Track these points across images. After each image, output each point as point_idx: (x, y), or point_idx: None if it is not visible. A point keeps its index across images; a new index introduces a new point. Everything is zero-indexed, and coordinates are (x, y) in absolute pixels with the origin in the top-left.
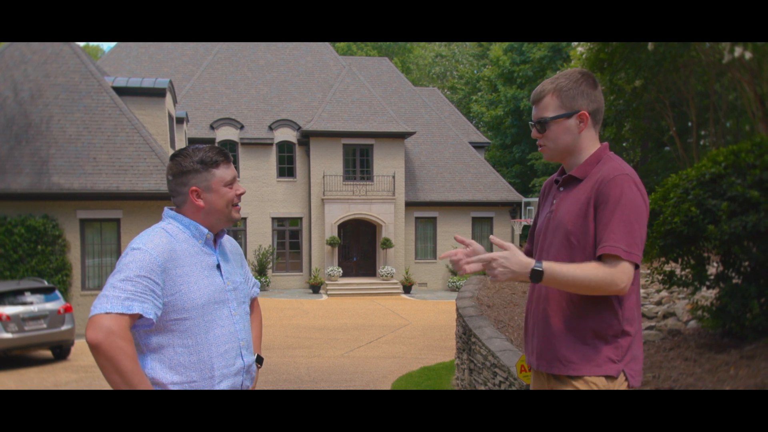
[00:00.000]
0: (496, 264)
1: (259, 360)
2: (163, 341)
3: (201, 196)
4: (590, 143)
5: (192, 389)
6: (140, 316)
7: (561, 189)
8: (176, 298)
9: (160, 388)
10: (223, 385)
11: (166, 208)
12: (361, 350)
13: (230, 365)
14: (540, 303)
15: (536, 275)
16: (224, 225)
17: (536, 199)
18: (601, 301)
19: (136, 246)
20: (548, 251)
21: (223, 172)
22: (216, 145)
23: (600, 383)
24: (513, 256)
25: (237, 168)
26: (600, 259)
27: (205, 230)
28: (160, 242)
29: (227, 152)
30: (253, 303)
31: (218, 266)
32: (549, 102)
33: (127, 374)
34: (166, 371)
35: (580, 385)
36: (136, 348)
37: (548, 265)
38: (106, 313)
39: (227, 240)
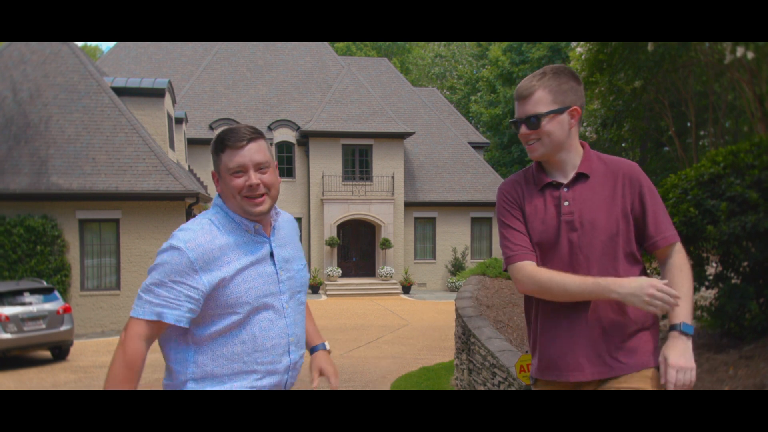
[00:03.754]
0: (687, 376)
1: (318, 348)
2: (207, 335)
3: (219, 182)
4: (577, 140)
5: (233, 388)
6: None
7: (566, 189)
8: (221, 293)
9: (208, 381)
10: (266, 382)
11: (216, 195)
12: (361, 350)
13: (276, 362)
14: (570, 312)
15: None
16: (246, 216)
17: None
18: None
19: (177, 243)
20: (590, 256)
21: (227, 158)
22: (247, 125)
23: (653, 375)
24: (679, 355)
25: None
26: (652, 248)
27: (247, 221)
28: (203, 240)
29: (244, 134)
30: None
31: (271, 254)
32: (541, 97)
33: (114, 377)
34: (210, 364)
35: (638, 382)
36: (183, 341)
37: (690, 319)
38: (138, 318)
39: (286, 222)
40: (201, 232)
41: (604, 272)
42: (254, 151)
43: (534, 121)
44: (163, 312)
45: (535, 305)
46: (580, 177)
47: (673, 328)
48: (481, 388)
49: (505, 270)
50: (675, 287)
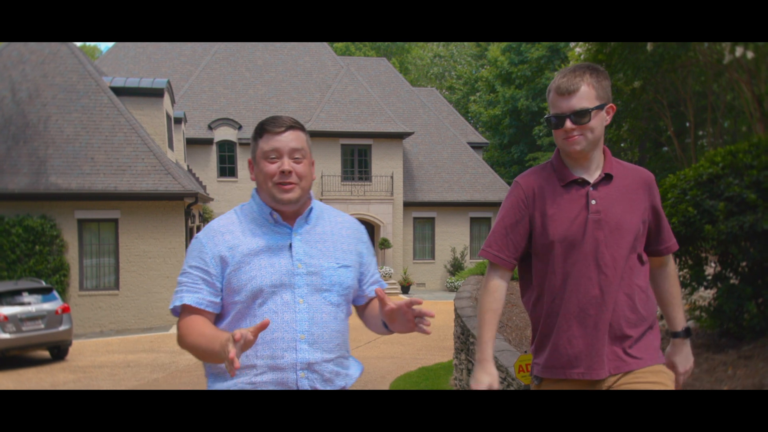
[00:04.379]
0: (685, 377)
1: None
2: (222, 324)
3: (253, 169)
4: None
5: (236, 384)
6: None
7: (593, 188)
8: (232, 281)
9: (220, 377)
10: (267, 378)
11: (253, 189)
12: (360, 350)
13: (277, 357)
14: (594, 310)
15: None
16: (275, 205)
17: None
18: (647, 289)
19: (198, 234)
20: (616, 256)
21: (264, 143)
22: (284, 115)
23: (662, 369)
24: (685, 359)
25: (234, 168)
26: (657, 254)
27: (268, 210)
28: (217, 224)
29: (284, 121)
30: (375, 301)
31: (290, 246)
32: (586, 92)
33: (191, 349)
34: None
35: (654, 376)
36: None
37: (685, 323)
38: (173, 307)
39: (335, 222)
40: (220, 220)
41: (624, 272)
42: (291, 139)
43: (581, 116)
44: (184, 296)
45: (548, 305)
46: (606, 177)
47: (676, 335)
48: None
49: (480, 255)
50: (673, 296)
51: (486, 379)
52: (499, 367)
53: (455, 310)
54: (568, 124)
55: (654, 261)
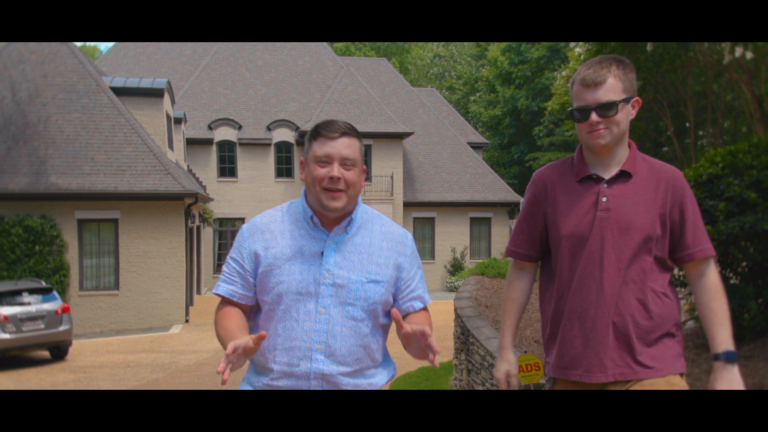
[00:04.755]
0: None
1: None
2: (259, 317)
3: (304, 170)
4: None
5: (258, 384)
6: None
7: (606, 185)
8: (263, 281)
9: (251, 373)
10: (282, 384)
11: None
12: None
13: (293, 365)
14: (593, 311)
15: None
16: (319, 209)
17: None
18: (668, 294)
19: (244, 225)
20: (621, 257)
21: (317, 146)
22: (341, 120)
23: (677, 381)
24: (728, 386)
25: (234, 168)
26: (679, 262)
27: (310, 212)
28: (260, 223)
29: (339, 126)
30: (411, 317)
31: (322, 254)
32: (613, 84)
33: (218, 339)
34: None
35: (662, 385)
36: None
37: (730, 344)
38: (216, 293)
39: (373, 233)
40: (265, 216)
41: (633, 274)
42: (344, 146)
43: (607, 109)
44: (220, 286)
45: (555, 302)
46: (623, 175)
47: (716, 358)
48: (480, 388)
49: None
50: (714, 312)
51: (503, 366)
52: None
53: (455, 310)
54: (594, 117)
55: (689, 271)
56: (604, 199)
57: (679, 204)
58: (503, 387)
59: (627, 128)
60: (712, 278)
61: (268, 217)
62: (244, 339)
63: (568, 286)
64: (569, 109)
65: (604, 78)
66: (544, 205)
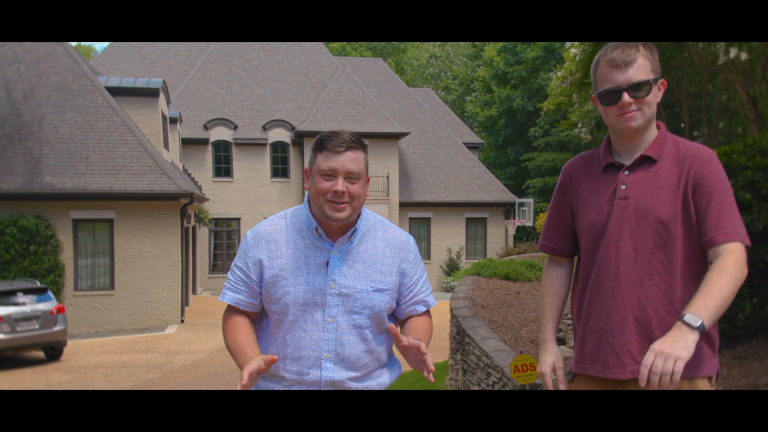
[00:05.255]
0: (668, 364)
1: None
2: (260, 330)
3: (308, 180)
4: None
5: (265, 387)
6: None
7: (627, 172)
8: (269, 291)
9: (268, 377)
10: (294, 390)
11: (307, 193)
12: None
13: (303, 374)
14: (609, 303)
15: (702, 330)
16: (323, 219)
17: (530, 200)
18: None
19: (248, 233)
20: (639, 246)
21: (322, 159)
22: (352, 133)
23: (703, 385)
24: (671, 345)
25: (229, 168)
26: (708, 246)
27: (315, 223)
28: (264, 232)
29: (345, 140)
30: (412, 320)
31: (327, 264)
32: (643, 64)
33: (227, 348)
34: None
35: (685, 388)
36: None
37: (704, 314)
38: (222, 302)
39: (377, 240)
40: (269, 225)
41: (657, 265)
42: (349, 160)
43: (639, 89)
44: (226, 294)
45: (579, 295)
46: (645, 160)
47: (680, 317)
48: (476, 388)
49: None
50: (705, 282)
51: (548, 359)
52: (495, 367)
53: (451, 310)
54: (626, 97)
55: (711, 259)
56: (623, 186)
57: (703, 186)
58: (548, 382)
59: (655, 111)
60: (726, 258)
61: (273, 226)
62: (256, 362)
63: (588, 278)
64: (596, 92)
65: (634, 57)
66: (570, 196)
